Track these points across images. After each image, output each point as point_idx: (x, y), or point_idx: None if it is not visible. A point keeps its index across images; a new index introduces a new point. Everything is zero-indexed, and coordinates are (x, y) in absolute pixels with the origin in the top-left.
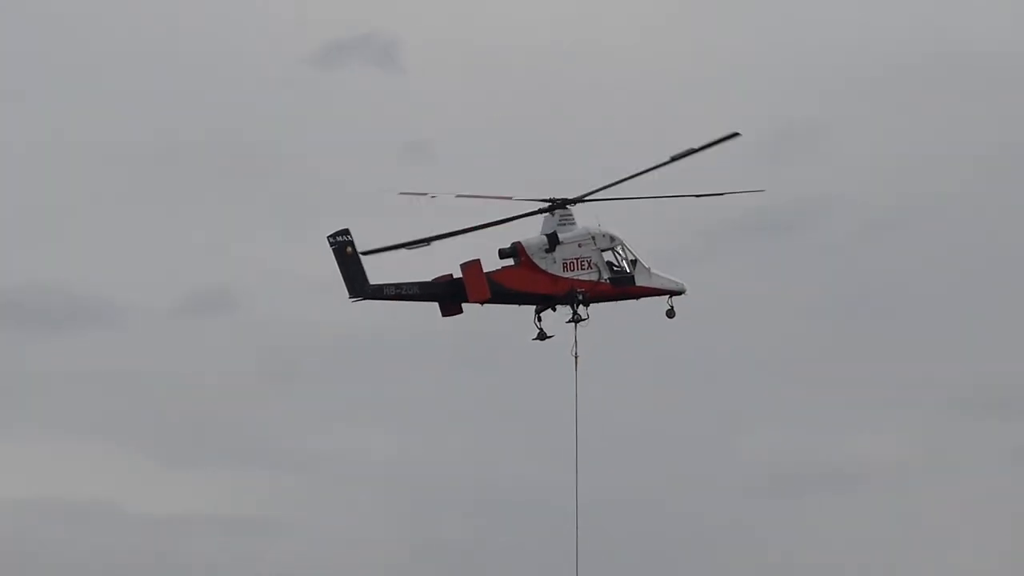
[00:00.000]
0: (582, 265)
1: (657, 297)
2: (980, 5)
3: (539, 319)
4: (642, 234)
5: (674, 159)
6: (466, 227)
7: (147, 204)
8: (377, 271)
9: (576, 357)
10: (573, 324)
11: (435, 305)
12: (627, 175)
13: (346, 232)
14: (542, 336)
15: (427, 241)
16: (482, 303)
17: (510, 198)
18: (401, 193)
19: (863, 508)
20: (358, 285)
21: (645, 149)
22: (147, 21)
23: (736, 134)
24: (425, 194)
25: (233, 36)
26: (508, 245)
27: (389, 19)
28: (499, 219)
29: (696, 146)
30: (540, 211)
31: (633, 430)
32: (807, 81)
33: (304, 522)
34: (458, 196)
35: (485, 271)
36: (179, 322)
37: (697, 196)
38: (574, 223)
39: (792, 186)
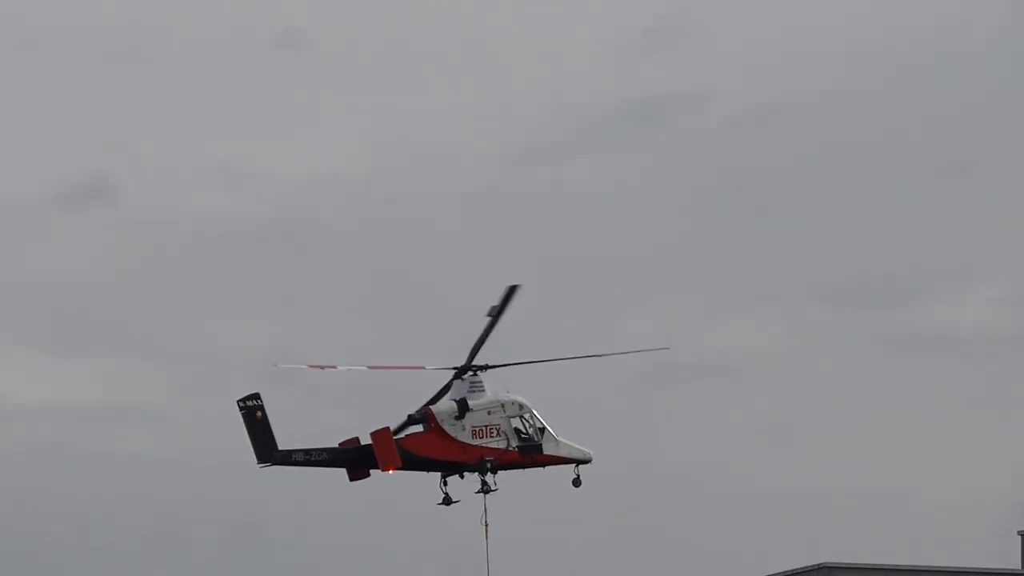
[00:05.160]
0: (491, 433)
1: (564, 465)
2: None
3: (445, 483)
4: (513, 125)
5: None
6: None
7: (21, 94)
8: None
9: (486, 526)
10: (483, 494)
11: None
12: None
13: (256, 396)
14: (447, 501)
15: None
16: (392, 471)
17: (423, 368)
18: (310, 366)
19: (734, 399)
20: (266, 451)
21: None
22: None
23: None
24: (335, 367)
25: None
26: (417, 411)
27: None
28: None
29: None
30: (453, 379)
31: None
32: None
33: (185, 412)
34: (371, 368)
35: (394, 437)
36: (59, 212)
37: (599, 356)
38: (484, 390)
39: (664, 80)
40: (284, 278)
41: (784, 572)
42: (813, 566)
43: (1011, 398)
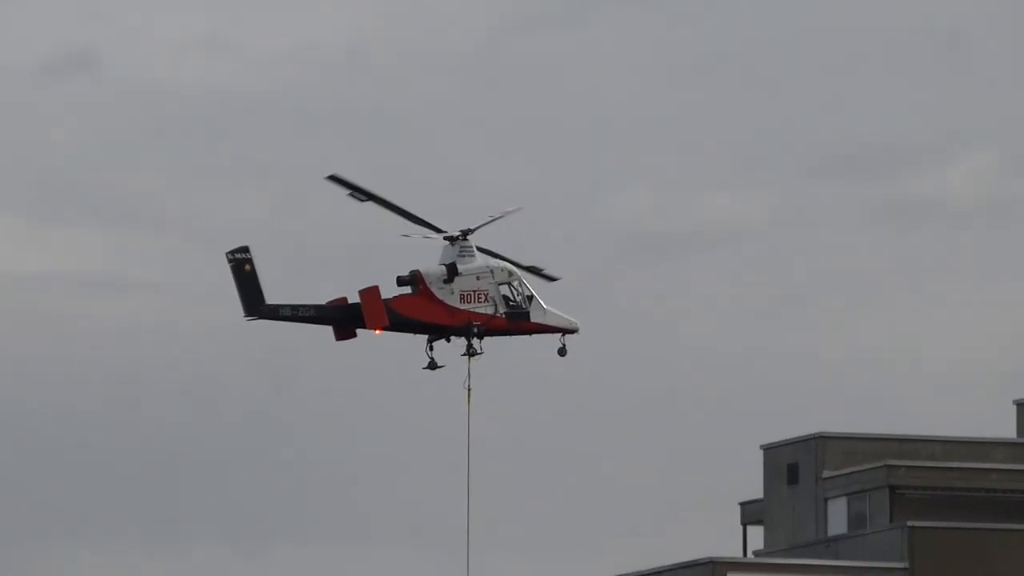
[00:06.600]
0: (479, 298)
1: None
2: None
3: (431, 348)
4: None
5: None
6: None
7: None
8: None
9: (469, 390)
10: (467, 357)
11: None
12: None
13: (245, 249)
14: (432, 366)
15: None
16: (378, 331)
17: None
18: (495, 216)
19: (720, 270)
20: (253, 304)
21: None
22: None
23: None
24: (521, 208)
25: None
26: (407, 273)
27: None
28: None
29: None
30: (446, 236)
31: None
32: None
33: (171, 281)
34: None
35: (383, 298)
36: (44, 82)
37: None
38: (474, 255)
39: None
40: (271, 149)
41: (780, 442)
42: (809, 435)
43: (1001, 267)
